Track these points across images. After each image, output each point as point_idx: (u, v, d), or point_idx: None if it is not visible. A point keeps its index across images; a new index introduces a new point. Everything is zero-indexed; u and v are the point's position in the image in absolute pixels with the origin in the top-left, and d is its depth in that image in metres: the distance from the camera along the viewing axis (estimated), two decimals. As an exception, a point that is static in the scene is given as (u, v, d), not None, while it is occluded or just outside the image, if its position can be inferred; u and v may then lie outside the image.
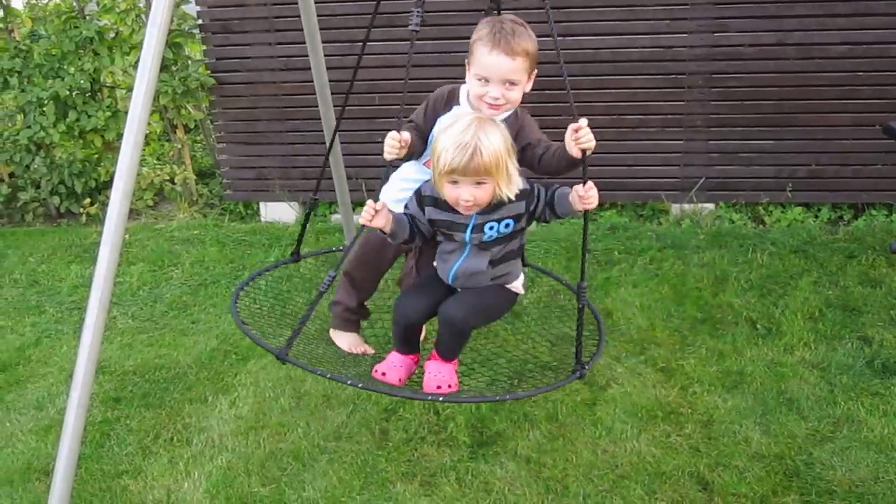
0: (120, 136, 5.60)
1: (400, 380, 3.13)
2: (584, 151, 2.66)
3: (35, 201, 5.95)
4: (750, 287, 4.49)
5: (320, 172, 3.59)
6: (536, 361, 3.57)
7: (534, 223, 2.97)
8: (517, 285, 3.05)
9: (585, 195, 2.65)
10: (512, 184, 2.70)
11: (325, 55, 4.51)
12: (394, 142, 2.71)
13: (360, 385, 2.92)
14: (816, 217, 5.29)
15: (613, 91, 5.16)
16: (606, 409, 3.60)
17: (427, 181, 2.90)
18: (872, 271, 4.55)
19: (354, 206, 5.16)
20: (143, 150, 5.75)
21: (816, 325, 4.11)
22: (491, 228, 2.82)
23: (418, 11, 2.74)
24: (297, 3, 4.73)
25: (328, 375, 2.97)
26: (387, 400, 3.75)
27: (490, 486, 3.25)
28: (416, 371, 3.20)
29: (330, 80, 4.55)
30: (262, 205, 5.79)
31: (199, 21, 5.49)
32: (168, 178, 5.78)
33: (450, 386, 3.03)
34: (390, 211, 2.80)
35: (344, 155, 4.78)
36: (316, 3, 4.29)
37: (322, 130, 4.73)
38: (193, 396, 3.89)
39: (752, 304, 4.34)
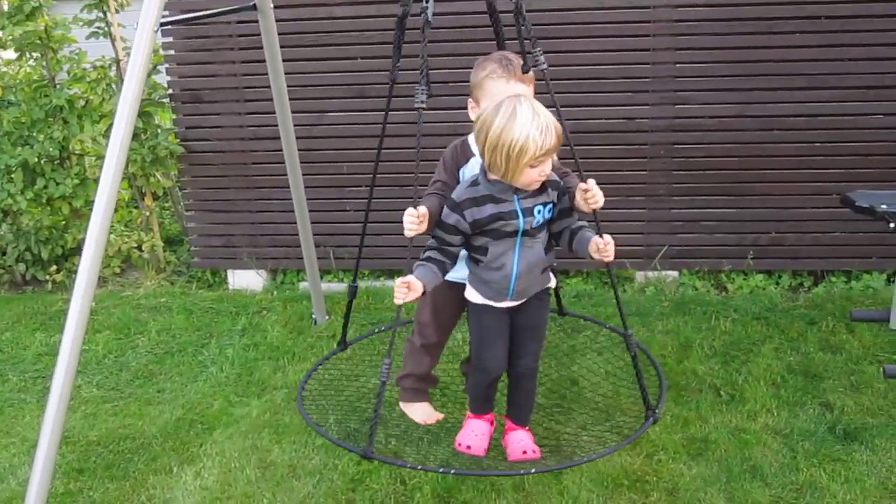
0: (88, 203, 5.63)
1: (484, 450, 3.16)
2: (594, 210, 2.81)
3: (0, 268, 5.90)
4: (713, 354, 4.55)
5: (358, 253, 3.57)
6: (594, 406, 3.81)
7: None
8: (553, 278, 3.12)
9: (604, 249, 2.80)
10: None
11: (294, 125, 4.58)
12: (413, 218, 2.73)
13: (452, 472, 3.06)
14: (777, 284, 5.39)
15: (579, 161, 5.24)
16: (573, 478, 3.61)
17: (458, 188, 2.90)
18: (832, 338, 4.62)
19: (322, 274, 5.20)
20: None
21: (779, 392, 4.16)
22: (538, 212, 2.83)
23: (423, 89, 2.80)
24: (265, 74, 4.83)
25: (419, 468, 3.08)
26: (353, 469, 3.74)
27: (457, 557, 3.24)
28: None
29: (298, 150, 4.62)
30: (229, 272, 5.79)
31: (170, 90, 5.55)
32: (135, 245, 5.77)
33: (534, 451, 3.11)
34: (417, 276, 2.80)
35: (312, 223, 4.82)
36: (285, 73, 4.37)
37: (290, 199, 4.79)
38: (158, 467, 3.85)
39: (715, 370, 4.39)
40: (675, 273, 5.47)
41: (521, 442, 3.13)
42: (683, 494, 3.49)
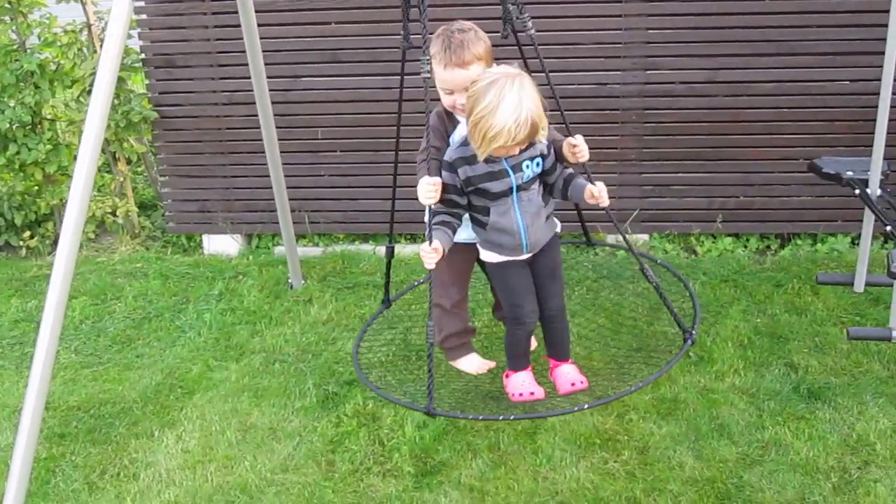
0: (61, 168, 5.62)
1: (544, 392, 3.29)
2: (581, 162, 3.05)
3: (-27, 234, 5.89)
4: (683, 316, 4.63)
5: (391, 217, 3.74)
6: (631, 331, 4.04)
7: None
8: (557, 222, 3.28)
9: (599, 195, 3.01)
10: (546, 129, 2.93)
11: (269, 90, 4.60)
12: (431, 187, 2.92)
13: (512, 418, 3.29)
14: (745, 247, 5.50)
15: (551, 126, 5.30)
16: (546, 438, 3.72)
17: (448, 149, 3.06)
18: (798, 300, 4.74)
19: (297, 238, 5.23)
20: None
21: (746, 353, 4.28)
22: (527, 167, 3.00)
23: (426, 59, 2.87)
24: (240, 39, 4.82)
25: (481, 418, 3.26)
26: (332, 431, 3.82)
27: (434, 514, 3.34)
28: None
29: (273, 115, 4.64)
30: (205, 237, 5.81)
31: (142, 55, 5.53)
32: (110, 210, 5.77)
33: (582, 382, 3.30)
34: (437, 240, 2.96)
35: (287, 188, 4.85)
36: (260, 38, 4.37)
37: (265, 164, 4.81)
38: (139, 431, 3.92)
39: (680, 333, 4.49)
40: (645, 236, 5.57)
41: (567, 375, 3.32)
42: (654, 452, 3.61)
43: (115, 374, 4.40)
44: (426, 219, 3.02)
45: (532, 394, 3.24)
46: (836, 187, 4.99)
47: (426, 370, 3.02)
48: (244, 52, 5.30)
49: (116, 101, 5.47)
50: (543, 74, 3.02)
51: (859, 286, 3.70)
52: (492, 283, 3.46)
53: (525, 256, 3.17)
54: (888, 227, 3.12)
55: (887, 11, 3.73)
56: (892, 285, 3.80)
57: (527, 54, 3.14)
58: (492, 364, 3.66)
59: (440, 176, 2.99)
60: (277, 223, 5.59)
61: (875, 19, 4.98)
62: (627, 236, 3.41)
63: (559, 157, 3.12)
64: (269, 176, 5.44)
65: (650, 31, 5.19)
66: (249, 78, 5.33)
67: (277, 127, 4.82)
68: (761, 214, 5.46)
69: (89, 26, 5.55)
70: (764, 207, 5.45)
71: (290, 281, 5.18)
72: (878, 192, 3.46)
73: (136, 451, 3.79)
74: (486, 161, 2.94)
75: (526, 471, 3.54)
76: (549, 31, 5.22)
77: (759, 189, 5.42)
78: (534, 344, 3.54)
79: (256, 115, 5.37)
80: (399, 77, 3.24)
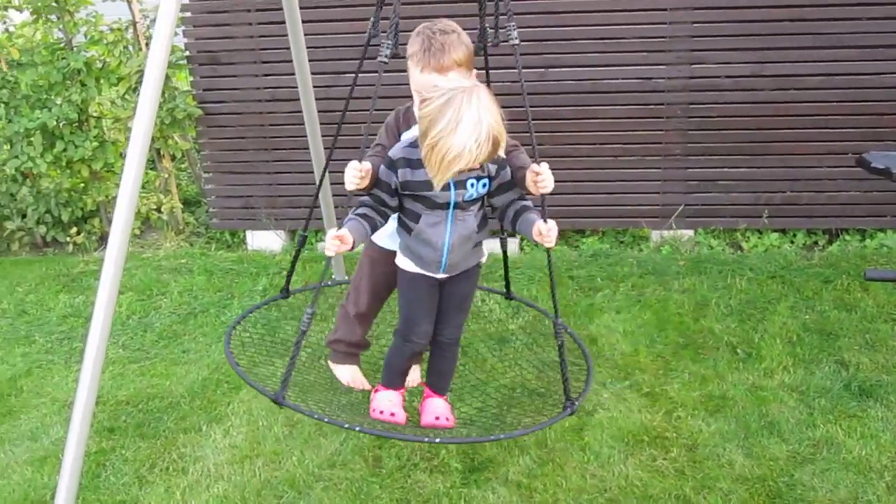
0: (107, 165, 5.68)
1: (405, 417, 3.22)
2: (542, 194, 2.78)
3: (21, 231, 5.97)
4: (730, 312, 4.61)
5: (310, 207, 3.64)
6: (524, 388, 3.69)
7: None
8: (485, 253, 3.12)
9: (547, 234, 2.76)
10: (504, 146, 2.76)
11: (313, 86, 4.60)
12: (356, 172, 2.79)
13: (357, 429, 2.95)
14: (792, 243, 5.43)
15: (595, 121, 5.29)
16: (594, 435, 3.69)
17: (395, 145, 2.93)
18: (847, 296, 4.68)
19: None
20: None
21: (794, 350, 4.23)
22: (472, 185, 2.83)
23: (388, 43, 2.80)
24: (283, 36, 4.83)
25: (325, 420, 2.96)
26: (381, 426, 3.81)
27: (482, 511, 3.33)
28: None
29: (318, 111, 4.65)
30: (248, 233, 5.85)
31: (187, 52, 5.57)
32: (154, 206, 5.83)
33: (447, 419, 3.21)
34: (347, 229, 2.79)
35: (332, 184, 4.85)
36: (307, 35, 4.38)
37: (309, 160, 4.82)
38: (187, 426, 3.94)
39: (732, 329, 4.45)
40: (690, 232, 5.52)
41: (437, 408, 3.23)
42: (702, 450, 3.57)
43: (163, 368, 4.44)
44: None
45: (392, 415, 3.18)
46: (885, 182, 4.93)
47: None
48: (287, 48, 5.32)
49: (162, 99, 5.52)
50: (521, 86, 2.79)
51: (911, 282, 3.64)
52: (398, 291, 3.24)
53: (440, 276, 3.03)
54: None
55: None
56: (946, 281, 3.74)
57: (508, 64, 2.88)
58: (367, 386, 3.65)
59: (367, 162, 2.85)
60: (319, 219, 5.62)
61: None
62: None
63: (519, 184, 2.91)
64: (310, 172, 5.47)
65: (695, 25, 5.14)
66: (292, 74, 5.38)
67: (324, 123, 4.83)
68: (808, 210, 5.39)
69: (135, 24, 5.60)
70: (811, 203, 5.38)
71: (333, 276, 5.19)
72: (934, 186, 3.40)
73: (184, 445, 3.81)
74: None
75: (574, 468, 3.52)
76: (593, 27, 5.21)
77: (806, 184, 5.35)
78: (417, 379, 3.55)
79: (299, 112, 5.39)
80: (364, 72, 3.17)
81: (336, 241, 2.71)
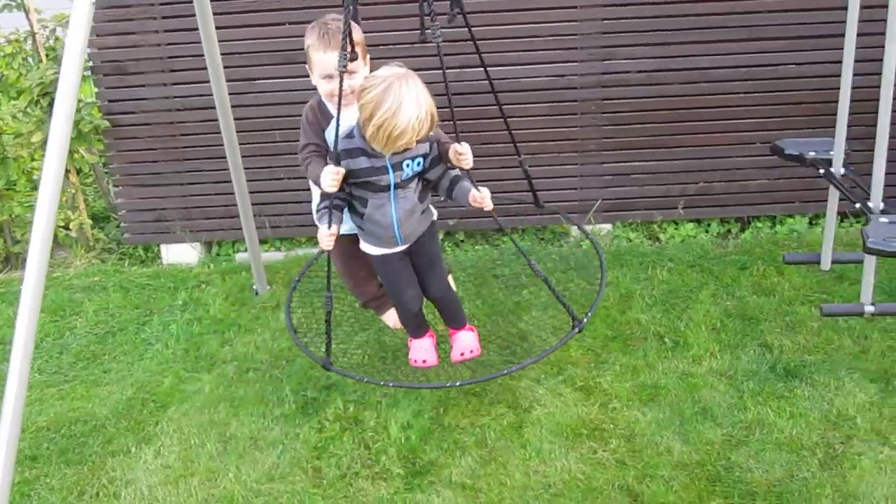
0: (9, 183, 5.44)
1: (437, 359, 3.72)
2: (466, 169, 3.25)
3: (-80, 253, 5.67)
4: (654, 303, 4.68)
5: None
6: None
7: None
8: (434, 212, 3.57)
9: (481, 200, 3.30)
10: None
11: (234, 93, 4.51)
12: (334, 175, 3.09)
13: (391, 384, 3.65)
14: (707, 232, 5.56)
15: (511, 119, 5.29)
16: (533, 431, 3.71)
17: (327, 147, 3.29)
18: (764, 281, 4.81)
19: (259, 243, 5.13)
20: (32, 196, 5.58)
21: (719, 336, 4.33)
22: (407, 166, 3.23)
23: (344, 54, 3.02)
24: (192, 44, 4.78)
25: (365, 380, 3.65)
26: (315, 437, 3.76)
27: (429, 515, 3.30)
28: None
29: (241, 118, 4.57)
30: (163, 247, 5.67)
31: (91, 63, 5.37)
32: (62, 223, 5.60)
33: (472, 351, 3.68)
34: (335, 224, 3.22)
35: (253, 192, 4.77)
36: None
37: (222, 169, 4.76)
38: (115, 449, 3.80)
39: (657, 318, 4.52)
40: (608, 226, 5.59)
41: (462, 343, 3.70)
42: (640, 439, 3.62)
43: (83, 391, 4.27)
44: (314, 206, 3.36)
45: (425, 362, 3.68)
46: (793, 169, 5.11)
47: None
48: (196, 56, 5.22)
49: (65, 112, 5.31)
50: (445, 83, 3.10)
51: (826, 264, 3.75)
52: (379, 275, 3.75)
53: (401, 248, 3.46)
54: (857, 205, 3.17)
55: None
56: (858, 262, 3.88)
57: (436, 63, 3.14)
58: None
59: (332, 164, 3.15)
60: (238, 229, 5.50)
61: (827, 3, 5.10)
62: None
63: (444, 158, 3.31)
64: (227, 181, 5.33)
65: (605, 21, 5.20)
66: (202, 83, 5.26)
67: (238, 130, 4.73)
68: (721, 199, 5.53)
69: (34, 35, 5.38)
70: (723, 192, 5.51)
71: (255, 287, 5.09)
72: (842, 170, 3.51)
73: (113, 469, 3.68)
74: (368, 156, 3.16)
75: (516, 465, 3.52)
76: (507, 25, 5.23)
77: (718, 174, 5.48)
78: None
79: (211, 121, 5.27)
80: None
81: (331, 237, 3.17)
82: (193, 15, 4.11)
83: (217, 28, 4.33)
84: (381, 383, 3.65)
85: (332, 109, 3.27)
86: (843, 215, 5.52)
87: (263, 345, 4.54)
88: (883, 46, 3.19)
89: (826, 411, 3.72)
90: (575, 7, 5.18)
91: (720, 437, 3.61)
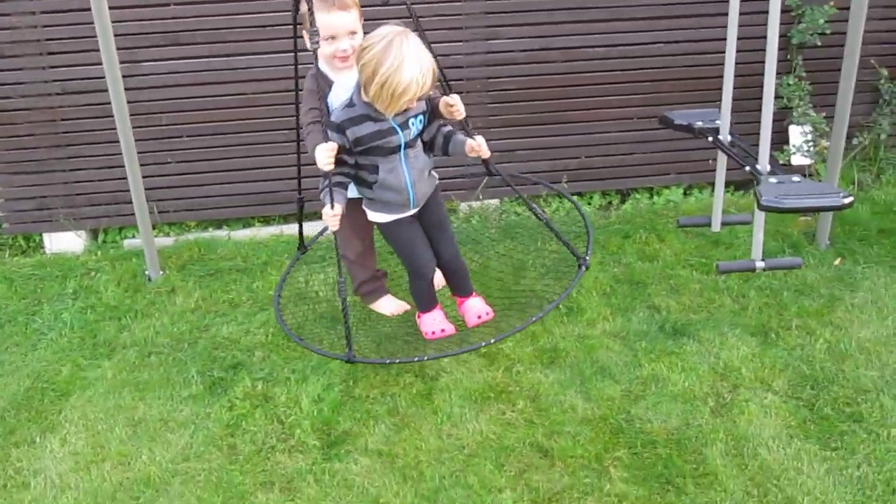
0: None
1: (454, 328, 3.59)
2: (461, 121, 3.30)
3: None
4: (546, 272, 4.84)
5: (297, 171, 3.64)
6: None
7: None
8: (436, 176, 3.54)
9: (479, 147, 3.36)
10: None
11: (105, 76, 4.41)
12: (329, 152, 3.07)
13: (426, 358, 3.38)
14: (589, 204, 5.81)
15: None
16: (443, 397, 3.83)
17: (335, 111, 3.22)
18: (647, 248, 5.07)
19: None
20: None
21: (610, 300, 4.55)
22: (412, 124, 3.22)
23: (315, 30, 3.04)
24: (70, 25, 4.68)
25: (397, 361, 3.43)
26: (227, 415, 3.77)
27: (349, 482, 3.38)
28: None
29: (111, 102, 4.48)
30: (46, 236, 5.49)
31: (-41, 47, 5.15)
32: (-68, 215, 5.36)
33: (487, 313, 3.62)
34: (338, 203, 3.14)
35: (144, 177, 4.70)
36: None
37: (108, 154, 4.73)
38: (18, 440, 3.72)
39: (551, 286, 4.66)
40: (496, 201, 5.76)
41: (474, 308, 3.66)
42: (545, 399, 3.80)
43: (-25, 384, 4.13)
44: (321, 184, 3.16)
45: (443, 331, 3.55)
46: (668, 144, 5.43)
47: (342, 322, 3.22)
48: (75, 38, 5.13)
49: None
50: (427, 44, 3.14)
51: (716, 226, 4.01)
52: (386, 241, 3.62)
53: (412, 212, 3.42)
54: (747, 168, 3.41)
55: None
56: (744, 223, 4.17)
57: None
58: (406, 306, 3.96)
59: (328, 139, 3.11)
60: (123, 216, 5.43)
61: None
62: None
63: (436, 114, 3.34)
64: (112, 167, 5.27)
65: (489, 2, 5.35)
66: (83, 65, 5.15)
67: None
68: (601, 173, 5.78)
69: None
70: (603, 166, 5.76)
71: (147, 273, 5.01)
72: (729, 137, 3.76)
73: (18, 459, 3.59)
74: (373, 120, 3.13)
75: (430, 430, 3.64)
76: (392, 7, 5.29)
77: (598, 149, 5.73)
78: (440, 280, 3.76)
79: (93, 105, 5.20)
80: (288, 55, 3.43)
81: (336, 217, 3.10)
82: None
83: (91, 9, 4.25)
84: (417, 359, 3.49)
85: (332, 75, 3.33)
86: (712, 185, 5.87)
87: (163, 329, 4.49)
88: (755, 25, 3.41)
89: (713, 364, 3.99)
90: (459, -12, 5.31)
91: (619, 394, 3.82)
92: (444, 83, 3.29)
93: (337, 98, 3.34)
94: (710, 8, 5.46)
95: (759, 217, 3.40)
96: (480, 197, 5.70)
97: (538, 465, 3.42)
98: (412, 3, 3.30)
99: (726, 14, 3.63)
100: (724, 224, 4.03)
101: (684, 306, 4.46)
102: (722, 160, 3.90)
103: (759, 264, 3.40)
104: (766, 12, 3.11)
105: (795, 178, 3.24)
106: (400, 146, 3.21)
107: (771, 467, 3.37)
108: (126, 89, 5.02)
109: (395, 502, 3.27)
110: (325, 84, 3.34)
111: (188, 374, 4.08)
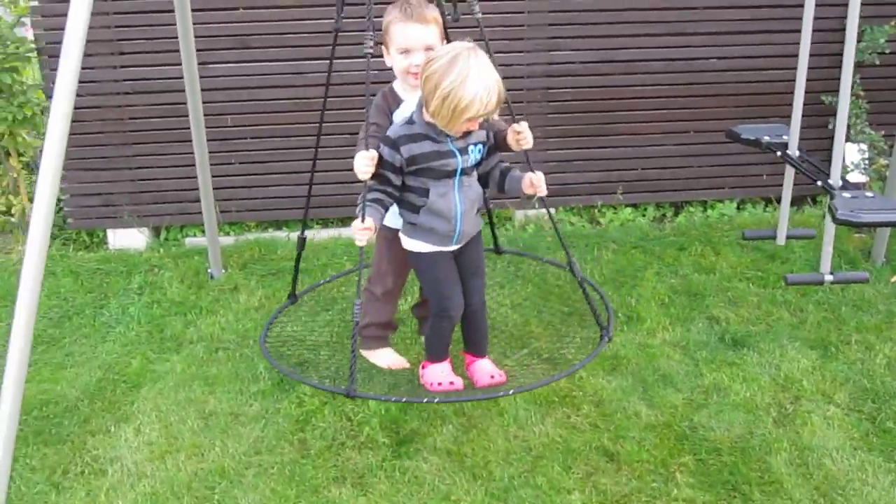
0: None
1: (462, 383, 3.39)
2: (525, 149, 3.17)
3: None
4: (604, 281, 4.93)
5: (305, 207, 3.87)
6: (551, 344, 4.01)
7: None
8: (480, 220, 3.38)
9: (538, 184, 3.18)
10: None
11: (176, 77, 4.53)
12: (367, 160, 2.95)
13: (437, 401, 3.31)
14: (643, 216, 5.87)
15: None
16: (508, 400, 3.87)
17: (392, 126, 3.11)
18: (703, 260, 5.13)
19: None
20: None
21: (668, 311, 4.60)
22: (472, 151, 3.10)
23: (371, 35, 2.95)
24: (142, 26, 4.81)
25: (404, 400, 3.29)
26: (297, 411, 3.84)
27: (420, 479, 3.44)
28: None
29: (180, 103, 4.59)
30: (110, 232, 5.62)
31: (33, 45, 5.28)
32: (3, 208, 5.49)
33: (500, 375, 3.44)
34: (370, 217, 2.99)
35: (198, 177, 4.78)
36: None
37: (172, 154, 4.83)
38: (93, 428, 3.80)
39: (609, 296, 4.76)
40: (552, 211, 5.81)
41: (486, 368, 3.49)
42: (609, 405, 3.85)
43: (49, 373, 4.23)
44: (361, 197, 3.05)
45: (451, 383, 3.38)
46: (722, 158, 5.50)
47: (349, 351, 3.14)
48: (146, 39, 5.27)
49: (10, 94, 5.22)
50: (492, 59, 3.01)
51: (781, 239, 4.07)
52: (417, 274, 3.46)
53: (453, 248, 3.25)
54: (818, 183, 3.46)
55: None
56: (808, 237, 4.22)
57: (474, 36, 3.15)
58: (406, 364, 3.81)
59: (377, 150, 3.00)
60: (186, 214, 5.56)
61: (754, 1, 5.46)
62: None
63: (499, 146, 3.23)
64: (176, 166, 5.41)
65: (551, 14, 5.44)
66: (153, 66, 5.28)
67: (186, 115, 4.74)
68: (656, 185, 5.85)
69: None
70: (658, 178, 5.83)
71: (210, 271, 5.11)
72: (797, 153, 3.82)
73: (94, 447, 3.67)
74: (432, 140, 3.01)
75: (497, 431, 3.69)
76: (461, 27, 5.39)
77: (654, 161, 5.79)
78: (402, 362, 3.77)
79: (161, 105, 5.33)
80: (327, 60, 3.33)
81: (365, 231, 2.94)
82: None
83: (167, 11, 4.35)
84: (426, 400, 3.36)
85: (403, 94, 3.26)
86: (767, 201, 5.92)
87: (228, 326, 4.59)
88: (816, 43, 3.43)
89: (774, 375, 4.03)
90: (523, 0, 5.39)
91: (682, 401, 3.87)
92: (509, 105, 3.14)
93: (401, 116, 3.27)
94: (768, 25, 5.54)
95: (830, 231, 3.45)
96: (536, 206, 5.77)
97: (605, 469, 3.47)
98: (482, 23, 3.21)
99: (782, 31, 3.70)
100: (788, 238, 4.08)
101: (743, 318, 4.51)
102: (789, 175, 3.95)
103: (828, 277, 3.45)
104: (824, 30, 3.16)
105: (869, 194, 3.30)
106: (456, 171, 3.07)
107: (836, 478, 3.40)
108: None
109: (466, 500, 3.33)
110: (394, 102, 3.31)
111: (256, 371, 4.16)
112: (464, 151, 3.06)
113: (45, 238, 3.01)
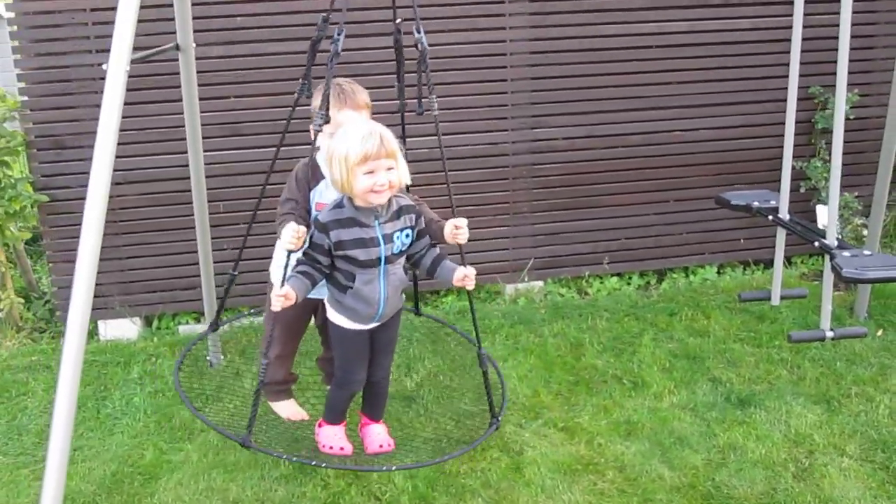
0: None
1: (352, 448, 3.46)
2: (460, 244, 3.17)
3: None
4: (603, 349, 5.04)
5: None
6: (449, 436, 3.90)
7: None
8: (403, 296, 3.37)
9: (468, 279, 3.13)
10: (406, 171, 3.06)
11: (168, 166, 4.55)
12: (295, 232, 2.98)
13: (323, 465, 3.42)
14: (629, 284, 6.01)
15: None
16: (532, 470, 3.92)
17: (319, 212, 3.13)
18: (695, 324, 5.27)
19: (199, 315, 5.15)
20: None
21: (672, 374, 4.71)
22: (398, 238, 3.10)
23: (321, 113, 3.08)
24: (131, 117, 4.83)
25: (294, 459, 3.44)
26: (323, 494, 3.83)
27: (460, 553, 3.45)
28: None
29: (174, 191, 4.62)
30: (100, 323, 5.56)
31: (15, 140, 5.27)
32: (-10, 305, 5.40)
33: (388, 444, 3.49)
34: (291, 287, 3.01)
35: (190, 264, 4.80)
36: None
37: (162, 242, 4.81)
38: (118, 523, 3.73)
39: (611, 363, 4.87)
40: (540, 283, 5.94)
41: (377, 436, 3.54)
42: (632, 469, 3.91)
43: (59, 469, 4.14)
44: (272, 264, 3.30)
45: (342, 449, 3.45)
46: (701, 224, 5.70)
47: (251, 403, 3.24)
48: (138, 130, 5.28)
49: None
50: (441, 150, 3.29)
51: (775, 299, 4.21)
52: (330, 342, 3.51)
53: (373, 325, 3.27)
54: (815, 244, 3.63)
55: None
56: (800, 297, 4.39)
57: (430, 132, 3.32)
58: (305, 416, 3.91)
59: (303, 225, 3.03)
60: (178, 302, 5.52)
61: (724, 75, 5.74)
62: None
63: (433, 236, 3.25)
64: (166, 254, 5.39)
65: (534, 93, 5.63)
66: (142, 156, 5.32)
67: (178, 203, 4.79)
68: (640, 254, 6.01)
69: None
70: (642, 247, 6.00)
71: (208, 358, 5.07)
72: (787, 216, 4.00)
73: (121, 542, 3.62)
74: (360, 225, 3.03)
75: (526, 502, 3.72)
76: (443, 98, 5.53)
77: (636, 231, 5.97)
78: (302, 413, 3.92)
79: (150, 194, 5.34)
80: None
81: (281, 297, 2.94)
82: (135, 89, 4.14)
83: (162, 102, 4.39)
84: (314, 463, 3.43)
85: (325, 169, 3.26)
86: (745, 264, 6.12)
87: (237, 412, 4.54)
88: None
89: (785, 431, 4.14)
90: (506, 80, 5.58)
91: (701, 462, 3.95)
92: (452, 206, 3.18)
93: (321, 195, 3.33)
94: (737, 97, 5.81)
95: (828, 289, 3.61)
96: (526, 278, 5.88)
97: (640, 533, 3.52)
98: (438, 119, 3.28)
99: (752, 102, 3.88)
100: (782, 298, 4.23)
101: (744, 378, 4.63)
102: (780, 238, 4.12)
103: (829, 333, 3.59)
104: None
105: (867, 252, 3.47)
106: (380, 259, 3.09)
107: (864, 528, 3.51)
108: (187, 178, 5.21)
109: (510, 572, 3.35)
110: (314, 178, 3.35)
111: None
112: (388, 239, 3.07)
113: (82, 335, 2.95)
